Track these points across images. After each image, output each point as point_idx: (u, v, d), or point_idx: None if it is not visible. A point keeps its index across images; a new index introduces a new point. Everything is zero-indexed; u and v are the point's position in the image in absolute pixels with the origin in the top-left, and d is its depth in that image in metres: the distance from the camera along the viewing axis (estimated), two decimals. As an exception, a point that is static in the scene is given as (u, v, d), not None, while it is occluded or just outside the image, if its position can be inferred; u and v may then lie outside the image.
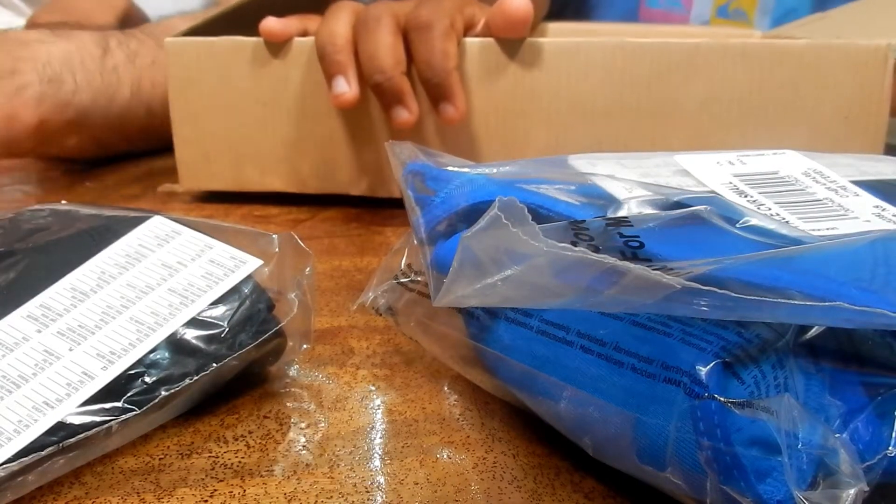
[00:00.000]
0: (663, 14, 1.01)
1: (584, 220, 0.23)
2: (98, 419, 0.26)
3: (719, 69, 0.50)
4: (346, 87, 0.49)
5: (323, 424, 0.30)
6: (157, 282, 0.30)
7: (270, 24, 0.52)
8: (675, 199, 0.27)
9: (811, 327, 0.23)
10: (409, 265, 0.32)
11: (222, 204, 0.56)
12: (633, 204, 0.27)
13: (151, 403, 0.27)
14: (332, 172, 0.55)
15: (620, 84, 0.51)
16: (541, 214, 0.27)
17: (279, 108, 0.54)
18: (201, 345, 0.29)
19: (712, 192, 0.29)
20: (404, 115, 0.49)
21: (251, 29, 0.53)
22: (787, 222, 0.27)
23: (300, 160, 0.55)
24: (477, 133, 0.53)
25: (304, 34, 0.54)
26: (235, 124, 0.55)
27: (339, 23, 0.50)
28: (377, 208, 0.55)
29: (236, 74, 0.54)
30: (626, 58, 0.51)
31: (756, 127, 0.51)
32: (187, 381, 0.28)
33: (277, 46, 0.53)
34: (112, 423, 0.26)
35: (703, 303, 0.19)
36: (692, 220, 0.23)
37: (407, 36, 0.50)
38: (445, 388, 0.32)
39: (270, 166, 0.55)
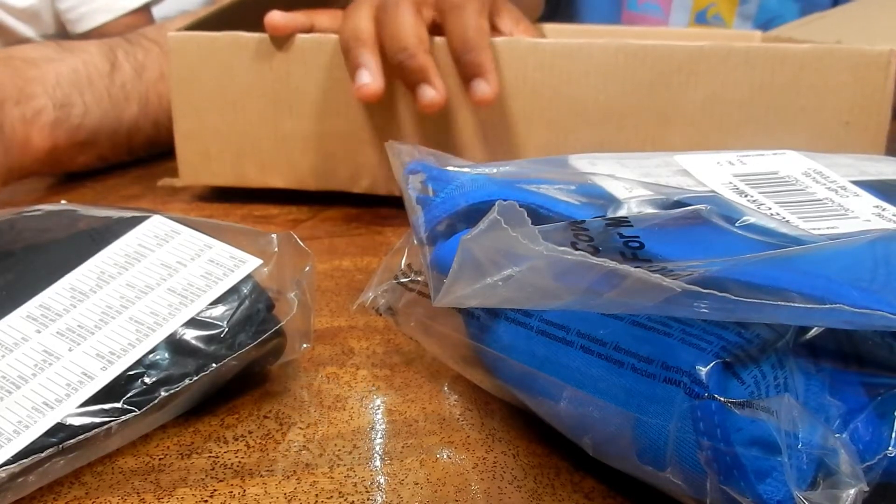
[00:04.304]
0: (642, 18, 1.01)
1: (583, 221, 0.23)
2: (98, 420, 0.26)
3: (721, 72, 0.50)
4: (370, 79, 0.48)
5: (323, 424, 0.30)
6: (157, 282, 0.30)
7: (275, 17, 0.52)
8: (676, 198, 0.27)
9: (811, 328, 0.23)
10: (409, 265, 0.32)
11: (222, 204, 0.56)
12: (634, 203, 0.26)
13: (151, 404, 0.27)
14: (333, 170, 0.55)
15: (622, 86, 0.51)
16: (541, 215, 0.27)
17: (280, 105, 0.54)
18: (201, 345, 0.29)
19: (712, 191, 0.29)
20: (430, 94, 0.48)
21: (253, 25, 0.53)
22: (787, 222, 0.27)
23: (301, 157, 0.55)
24: (477, 135, 0.53)
25: (311, 30, 0.54)
26: (236, 120, 0.55)
27: (361, 18, 0.50)
28: (378, 208, 0.55)
29: (238, 70, 0.54)
30: (627, 60, 0.50)
31: (756, 131, 0.51)
32: (187, 381, 0.28)
33: (279, 43, 0.53)
34: (112, 423, 0.26)
35: (703, 305, 0.19)
36: (692, 219, 0.23)
37: (439, 18, 0.49)
38: (445, 388, 0.32)
39: (271, 163, 0.55)
